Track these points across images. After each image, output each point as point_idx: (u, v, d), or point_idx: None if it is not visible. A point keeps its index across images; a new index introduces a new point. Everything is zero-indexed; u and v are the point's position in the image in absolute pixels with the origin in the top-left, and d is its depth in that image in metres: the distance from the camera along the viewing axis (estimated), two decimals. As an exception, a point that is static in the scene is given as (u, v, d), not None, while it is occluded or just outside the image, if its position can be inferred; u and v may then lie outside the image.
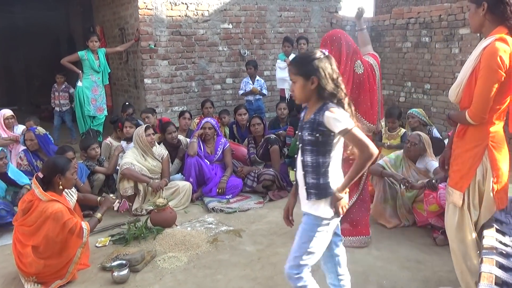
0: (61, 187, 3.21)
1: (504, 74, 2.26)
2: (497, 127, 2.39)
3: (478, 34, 6.13)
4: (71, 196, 3.46)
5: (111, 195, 3.89)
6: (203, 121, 5.19)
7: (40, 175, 3.23)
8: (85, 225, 3.23)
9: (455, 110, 2.65)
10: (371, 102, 3.40)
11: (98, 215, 3.51)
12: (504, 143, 2.45)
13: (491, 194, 2.39)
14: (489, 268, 1.86)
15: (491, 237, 2.21)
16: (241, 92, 7.04)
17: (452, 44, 6.57)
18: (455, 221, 2.50)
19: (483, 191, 2.41)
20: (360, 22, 3.82)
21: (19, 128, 5.78)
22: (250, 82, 6.96)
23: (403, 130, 5.10)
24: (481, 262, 1.97)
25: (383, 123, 3.56)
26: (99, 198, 3.85)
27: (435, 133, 5.28)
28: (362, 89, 3.34)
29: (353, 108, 2.40)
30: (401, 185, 3.90)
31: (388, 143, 4.96)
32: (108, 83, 7.00)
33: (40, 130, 4.89)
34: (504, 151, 2.43)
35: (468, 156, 2.45)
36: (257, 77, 7.00)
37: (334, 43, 3.27)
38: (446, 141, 5.08)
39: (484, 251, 2.07)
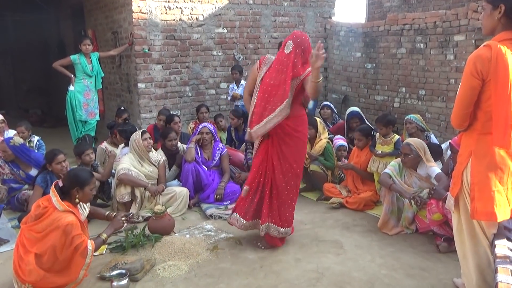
0: (77, 200, 3.13)
1: (480, 82, 2.22)
2: (483, 136, 2.31)
3: (473, 41, 6.18)
4: (84, 209, 3.34)
5: (119, 213, 3.70)
6: (200, 126, 5.12)
7: (60, 183, 3.15)
8: (90, 245, 3.09)
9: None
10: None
11: (104, 235, 3.29)
12: (491, 152, 2.29)
13: (469, 203, 2.35)
14: (506, 278, 1.83)
15: (502, 246, 2.17)
16: (228, 97, 7.02)
17: (447, 50, 6.61)
18: (455, 225, 2.55)
19: (466, 198, 2.41)
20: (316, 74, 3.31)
21: (10, 133, 5.64)
22: (235, 87, 6.93)
23: (396, 137, 4.92)
24: (496, 272, 1.93)
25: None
26: (107, 213, 3.68)
27: (433, 139, 5.28)
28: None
29: None
30: (411, 202, 3.84)
31: (380, 151, 4.79)
32: (101, 87, 6.88)
33: (16, 140, 4.75)
34: (489, 160, 2.28)
35: (458, 162, 2.48)
36: (242, 82, 6.97)
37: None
38: (443, 146, 5.11)
39: (498, 260, 2.03)
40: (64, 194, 3.11)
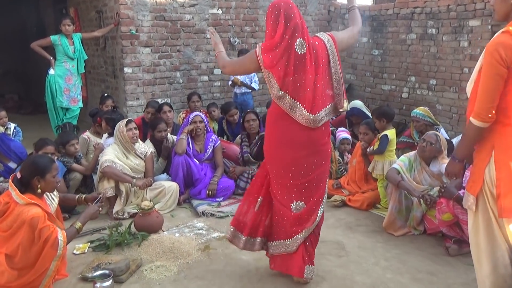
0: (39, 190, 3.09)
1: (506, 69, 2.24)
2: (507, 128, 2.35)
3: (490, 26, 6.18)
4: (52, 199, 3.33)
5: (91, 195, 3.69)
6: (192, 115, 5.10)
7: (18, 175, 3.10)
8: (61, 235, 3.05)
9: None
10: (314, 88, 3.00)
11: (78, 224, 3.21)
12: None
13: (496, 200, 2.37)
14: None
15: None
16: (229, 82, 6.97)
17: (460, 36, 6.60)
18: (470, 225, 2.55)
19: (488, 195, 2.41)
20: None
21: (-17, 120, 5.60)
22: None
23: (383, 133, 4.73)
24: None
25: (345, 104, 3.16)
26: (77, 196, 3.64)
27: (443, 133, 5.25)
28: (303, 72, 2.98)
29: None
30: (421, 202, 3.86)
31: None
32: (84, 71, 6.83)
33: None
34: None
35: (478, 158, 2.48)
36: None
37: (274, 11, 3.01)
38: (454, 140, 5.12)
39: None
40: (25, 186, 3.06)
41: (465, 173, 3.47)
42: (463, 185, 3.47)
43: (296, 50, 2.96)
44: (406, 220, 4.06)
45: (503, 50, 2.22)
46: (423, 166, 4.06)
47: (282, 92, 2.97)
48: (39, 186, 3.07)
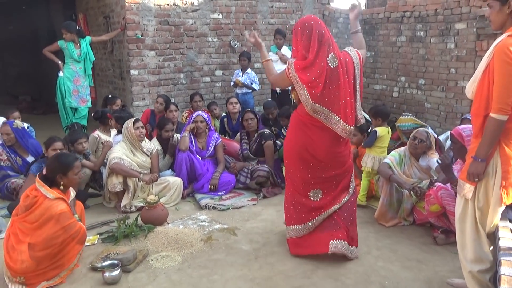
0: (62, 187, 3.12)
1: None
2: (511, 124, 2.37)
3: (475, 29, 6.17)
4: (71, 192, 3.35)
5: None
6: (194, 115, 5.10)
7: (44, 172, 3.14)
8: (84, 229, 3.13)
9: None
10: (348, 100, 3.12)
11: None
12: None
13: (499, 190, 2.42)
14: (509, 271, 1.85)
15: (507, 238, 2.20)
16: (231, 83, 7.00)
17: (447, 39, 6.59)
18: (459, 213, 2.58)
19: (490, 185, 2.44)
20: (355, 23, 3.41)
21: (-1, 120, 5.61)
22: (240, 74, 6.90)
23: (374, 129, 4.67)
24: (500, 264, 1.95)
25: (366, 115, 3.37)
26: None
27: (430, 131, 5.20)
28: (337, 85, 3.07)
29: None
30: (411, 193, 3.86)
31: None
32: (90, 73, 6.81)
33: (18, 123, 4.75)
34: None
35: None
36: (248, 70, 6.93)
37: (305, 30, 3.09)
38: (442, 137, 5.11)
39: (501, 252, 2.05)
40: (50, 182, 3.09)
41: (454, 166, 3.48)
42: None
43: (329, 64, 3.06)
44: (397, 211, 4.06)
45: None
46: (412, 161, 4.06)
47: (318, 105, 3.09)
48: (61, 182, 3.11)
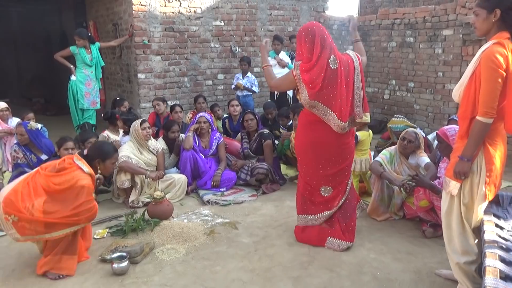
0: (99, 171, 3.18)
1: (504, 73, 2.27)
2: (494, 125, 2.38)
3: (461, 35, 6.17)
4: None
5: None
6: (197, 116, 5.09)
7: (85, 152, 3.19)
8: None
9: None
10: (345, 99, 3.17)
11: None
12: (500, 141, 2.45)
13: (483, 187, 2.42)
14: (493, 263, 1.84)
15: (491, 231, 2.20)
16: (232, 86, 7.00)
17: (435, 44, 6.59)
18: (445, 208, 2.57)
19: (475, 183, 2.44)
20: (354, 33, 3.58)
21: (14, 121, 5.59)
22: (241, 77, 6.89)
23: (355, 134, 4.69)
24: (485, 256, 1.94)
25: (366, 117, 3.33)
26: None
27: (419, 132, 5.14)
28: (335, 84, 3.15)
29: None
30: (401, 189, 3.84)
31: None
32: (101, 76, 6.81)
33: (33, 125, 4.72)
34: (499, 148, 2.44)
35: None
36: (248, 74, 6.92)
37: (309, 35, 3.17)
38: (430, 136, 5.09)
39: (486, 245, 2.04)
40: (88, 163, 3.13)
41: (440, 164, 3.48)
42: (438, 175, 3.48)
43: (330, 66, 3.14)
44: (388, 206, 4.05)
45: (500, 56, 2.26)
46: (402, 160, 4.05)
47: (315, 102, 3.17)
48: (98, 167, 3.18)
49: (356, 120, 3.33)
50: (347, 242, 3.41)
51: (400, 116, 5.52)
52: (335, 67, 3.15)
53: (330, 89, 3.15)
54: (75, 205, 2.95)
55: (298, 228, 3.60)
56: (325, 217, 3.45)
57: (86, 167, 3.05)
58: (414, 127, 5.02)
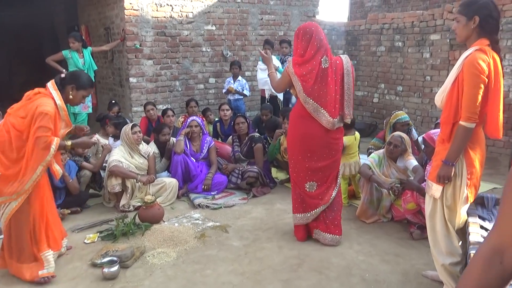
0: (70, 96, 3.07)
1: (486, 79, 2.30)
2: (475, 130, 2.41)
3: (448, 40, 6.23)
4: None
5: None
6: (189, 120, 5.09)
7: (62, 75, 3.13)
8: (54, 144, 2.91)
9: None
10: (334, 96, 3.33)
11: (68, 142, 3.09)
12: (479, 144, 2.48)
13: (465, 189, 2.45)
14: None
15: (476, 233, 2.22)
16: (224, 90, 7.00)
17: (423, 49, 6.66)
18: (429, 210, 2.60)
19: (457, 185, 2.48)
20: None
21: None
22: (232, 81, 6.90)
23: None
24: (469, 257, 1.97)
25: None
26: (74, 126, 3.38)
27: (414, 132, 5.14)
28: (326, 82, 3.31)
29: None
30: (390, 192, 3.87)
31: None
32: (93, 81, 6.76)
33: None
34: (479, 152, 2.48)
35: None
36: (239, 78, 6.93)
37: (306, 35, 3.33)
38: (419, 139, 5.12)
39: (471, 246, 2.07)
40: (62, 87, 3.06)
41: (427, 167, 3.51)
42: (425, 178, 3.52)
43: (321, 64, 3.30)
44: (377, 209, 4.08)
45: (483, 63, 2.29)
46: (390, 163, 4.08)
47: (308, 98, 3.31)
48: (71, 93, 3.08)
49: (345, 120, 3.44)
50: (336, 236, 3.56)
51: (398, 111, 5.50)
52: (326, 66, 3.32)
53: (321, 87, 3.31)
54: (33, 130, 2.81)
55: (296, 227, 3.70)
56: (316, 214, 3.55)
57: (59, 99, 2.95)
58: (411, 124, 5.05)
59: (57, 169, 3.12)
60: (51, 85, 3.04)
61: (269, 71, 3.67)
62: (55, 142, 2.91)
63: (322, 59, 3.30)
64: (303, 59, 3.33)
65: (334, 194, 3.54)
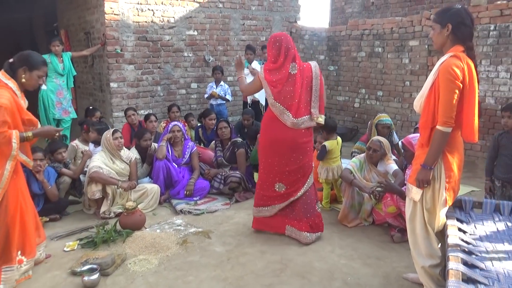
0: (23, 80, 2.88)
1: (461, 84, 2.35)
2: (452, 134, 2.45)
3: (426, 46, 6.35)
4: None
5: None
6: (171, 125, 5.05)
7: (10, 60, 2.92)
8: (15, 138, 2.77)
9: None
10: (299, 99, 3.54)
11: (29, 134, 2.91)
12: (457, 148, 2.52)
13: (444, 192, 2.49)
14: (456, 266, 1.89)
15: (454, 235, 2.26)
16: (206, 95, 6.98)
17: (402, 54, 6.77)
18: (409, 213, 2.64)
19: (436, 189, 2.51)
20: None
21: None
22: (214, 86, 6.89)
23: (323, 144, 4.48)
24: (448, 259, 2.00)
25: (321, 119, 3.63)
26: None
27: (395, 136, 5.18)
28: (293, 87, 3.53)
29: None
30: (371, 196, 3.89)
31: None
32: (73, 86, 6.68)
33: None
34: (456, 156, 2.52)
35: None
36: (222, 82, 6.93)
37: (276, 43, 3.58)
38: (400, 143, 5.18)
39: (449, 249, 2.10)
40: (13, 72, 2.88)
41: (407, 171, 3.56)
42: (405, 182, 3.56)
43: (290, 71, 3.56)
44: (358, 213, 4.11)
45: (459, 70, 2.34)
46: (371, 167, 4.12)
47: (275, 101, 3.55)
48: (23, 76, 2.90)
49: (313, 119, 3.61)
50: (315, 234, 3.69)
51: (382, 114, 5.53)
52: (294, 72, 3.56)
53: (288, 91, 3.55)
54: None
55: (255, 219, 3.89)
56: (281, 207, 3.73)
57: (12, 83, 2.81)
58: (393, 127, 5.08)
59: (24, 159, 2.98)
60: (1, 74, 2.87)
61: (239, 75, 3.91)
62: (15, 135, 2.79)
63: (290, 66, 3.56)
64: (274, 65, 3.58)
65: (303, 190, 3.68)
